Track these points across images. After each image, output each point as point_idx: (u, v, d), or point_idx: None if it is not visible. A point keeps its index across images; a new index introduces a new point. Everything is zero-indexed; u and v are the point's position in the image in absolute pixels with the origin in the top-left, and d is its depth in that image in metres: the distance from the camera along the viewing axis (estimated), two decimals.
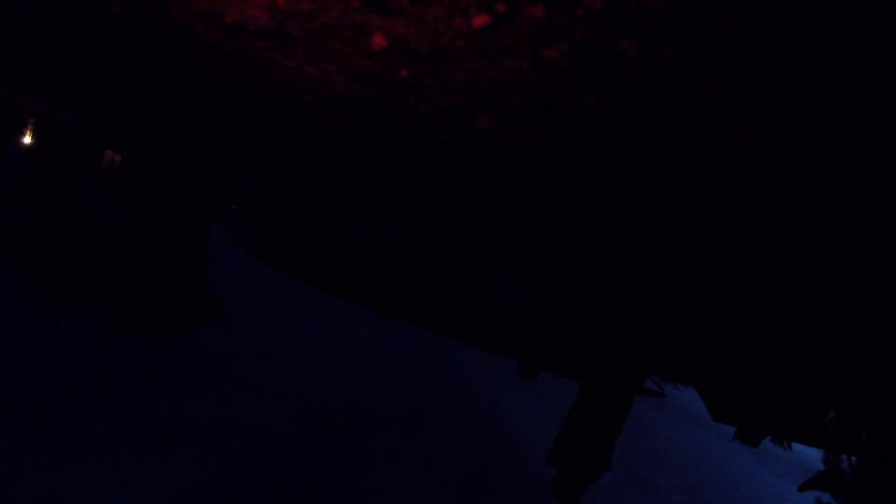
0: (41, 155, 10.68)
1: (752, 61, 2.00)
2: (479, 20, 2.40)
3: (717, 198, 3.57)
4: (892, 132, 2.10)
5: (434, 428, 4.55)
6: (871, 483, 7.54)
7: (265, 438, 3.54)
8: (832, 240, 3.47)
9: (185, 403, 3.60)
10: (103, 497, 2.56)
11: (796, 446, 8.20)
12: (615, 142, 3.24)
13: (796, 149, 2.52)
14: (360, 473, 3.51)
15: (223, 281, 6.53)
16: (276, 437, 3.61)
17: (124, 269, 5.79)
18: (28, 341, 3.68)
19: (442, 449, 4.23)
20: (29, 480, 2.49)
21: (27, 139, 12.01)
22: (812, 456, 8.04)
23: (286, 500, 2.99)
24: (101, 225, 7.12)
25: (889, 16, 1.57)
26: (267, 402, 4.02)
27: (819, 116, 2.19)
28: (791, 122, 2.31)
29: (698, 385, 9.35)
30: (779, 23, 1.77)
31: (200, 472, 2.97)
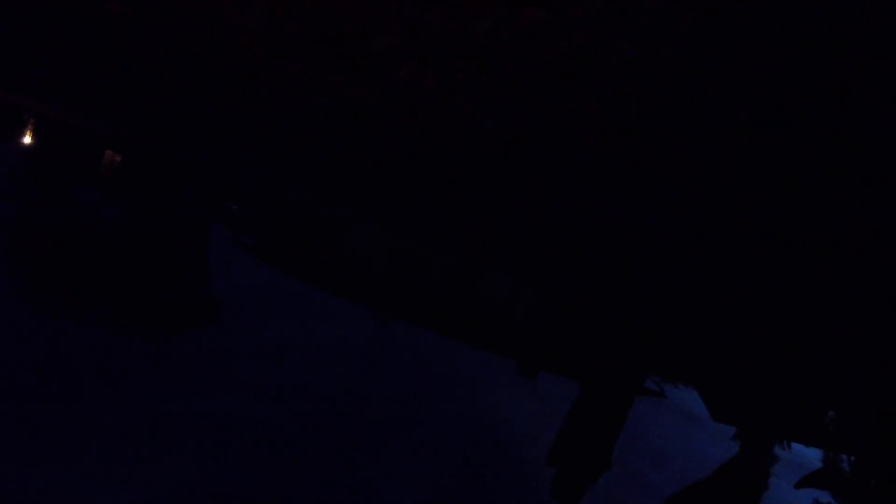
0: (41, 155, 10.68)
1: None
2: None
3: (717, 198, 3.57)
4: None
5: (434, 428, 4.55)
6: (870, 483, 7.54)
7: (265, 437, 3.54)
8: (829, 242, 3.47)
9: (185, 402, 3.60)
10: (105, 493, 2.56)
11: (796, 446, 8.19)
12: (614, 143, 3.24)
13: (787, 148, 2.52)
14: (360, 472, 3.51)
15: (223, 281, 6.53)
16: (276, 435, 3.61)
17: (124, 269, 5.79)
18: (28, 341, 3.68)
19: (442, 448, 4.23)
20: (30, 478, 2.49)
21: (27, 139, 12.01)
22: (812, 456, 8.04)
23: (286, 498, 2.99)
24: (101, 224, 7.12)
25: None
26: (267, 402, 4.02)
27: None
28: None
29: (698, 385, 9.35)
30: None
31: (200, 470, 2.97)
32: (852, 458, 8.44)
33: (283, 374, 4.62)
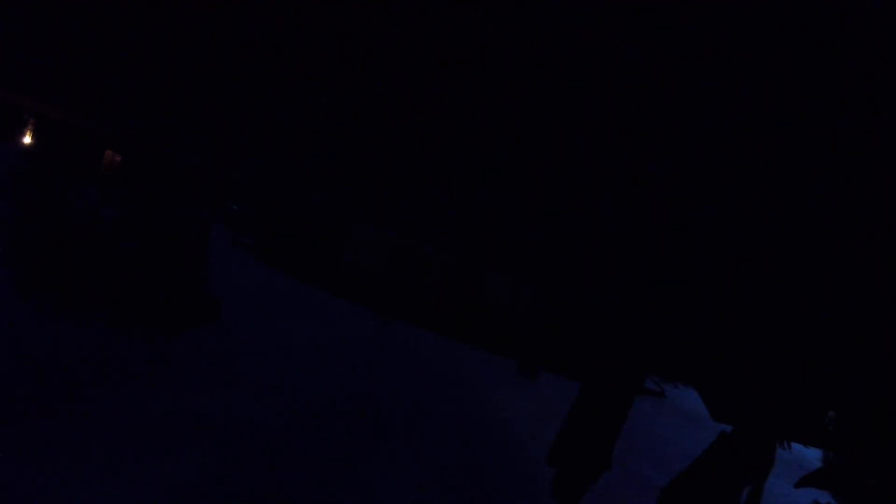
0: (41, 155, 10.67)
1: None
2: None
3: (717, 199, 3.57)
4: None
5: (434, 428, 4.55)
6: (870, 483, 7.54)
7: (265, 438, 3.54)
8: (829, 243, 3.47)
9: (184, 403, 3.60)
10: (104, 496, 2.56)
11: (796, 446, 8.20)
12: (614, 144, 3.24)
13: (787, 149, 2.52)
14: (360, 473, 3.51)
15: (223, 281, 6.53)
16: (276, 436, 3.61)
17: (124, 269, 5.79)
18: (28, 341, 3.68)
19: (442, 449, 4.23)
20: (29, 480, 2.49)
21: (27, 139, 12.01)
22: (812, 456, 8.04)
23: (286, 500, 2.99)
24: (101, 225, 7.12)
25: None
26: (267, 402, 4.02)
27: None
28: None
29: (698, 385, 9.35)
30: None
31: (200, 472, 2.97)
32: (852, 458, 8.44)
33: (283, 374, 4.62)
